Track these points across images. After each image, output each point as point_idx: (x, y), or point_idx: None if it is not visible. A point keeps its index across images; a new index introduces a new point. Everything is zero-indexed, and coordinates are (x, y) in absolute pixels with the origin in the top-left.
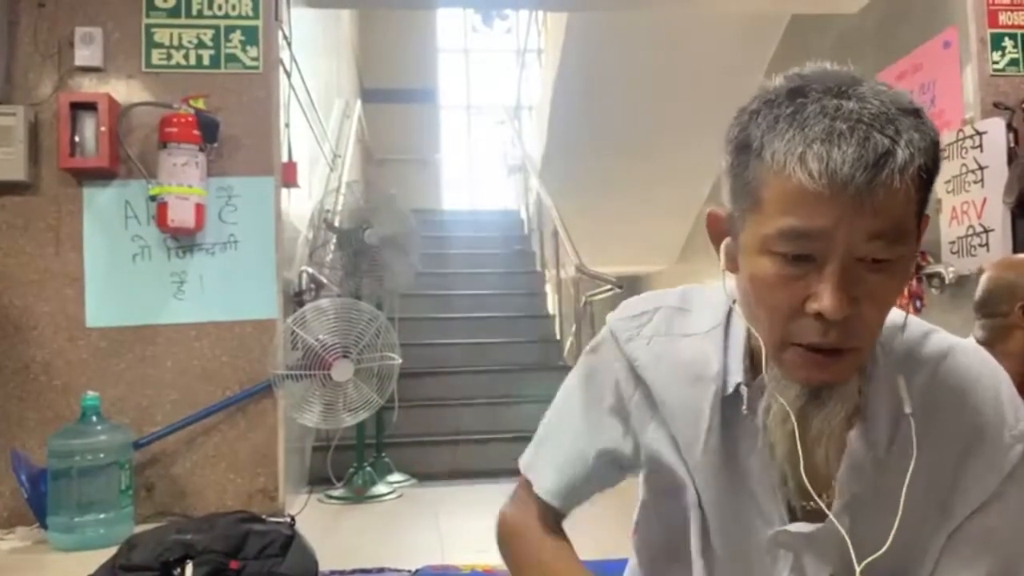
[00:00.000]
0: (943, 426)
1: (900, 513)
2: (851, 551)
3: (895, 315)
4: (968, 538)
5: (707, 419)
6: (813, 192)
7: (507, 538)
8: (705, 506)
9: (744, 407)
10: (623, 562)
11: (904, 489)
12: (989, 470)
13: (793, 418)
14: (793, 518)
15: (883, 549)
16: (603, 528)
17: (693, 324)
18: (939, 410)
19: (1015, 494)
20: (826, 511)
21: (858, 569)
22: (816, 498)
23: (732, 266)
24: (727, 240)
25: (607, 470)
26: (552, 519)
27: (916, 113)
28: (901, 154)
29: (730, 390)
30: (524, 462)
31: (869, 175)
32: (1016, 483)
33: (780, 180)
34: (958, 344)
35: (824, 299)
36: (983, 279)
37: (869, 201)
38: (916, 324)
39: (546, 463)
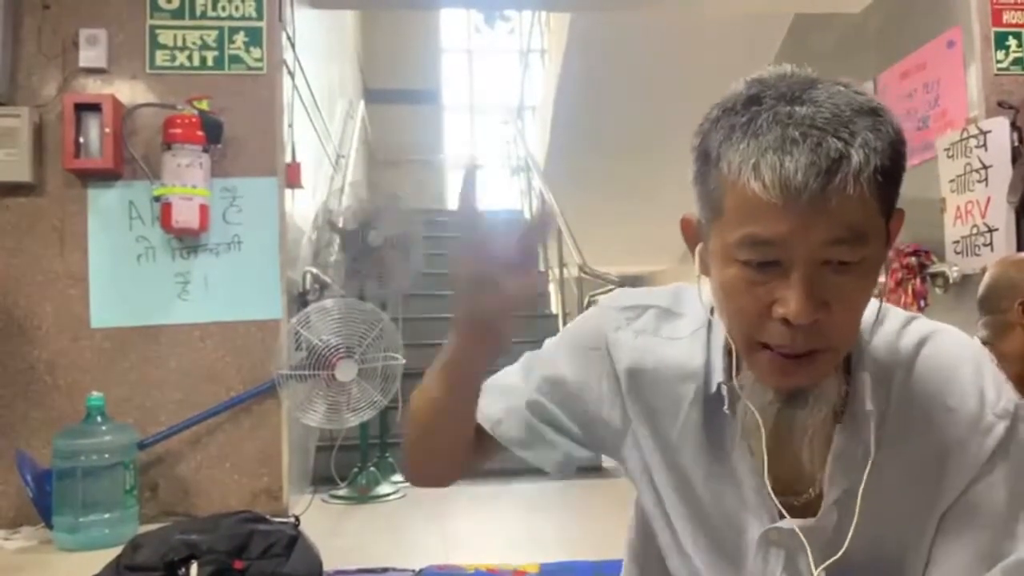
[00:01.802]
0: (927, 415)
1: (881, 509)
2: (844, 545)
3: (872, 309)
4: (957, 516)
5: (690, 417)
6: (768, 202)
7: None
8: (694, 506)
9: (725, 407)
10: (622, 562)
11: (885, 485)
12: (975, 451)
13: (774, 416)
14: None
15: (844, 548)
16: (602, 528)
17: (680, 328)
18: (922, 400)
19: (1000, 469)
20: (825, 507)
21: (838, 556)
22: (796, 496)
23: (707, 270)
24: (700, 245)
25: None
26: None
27: (874, 112)
28: (856, 157)
29: (712, 389)
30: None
31: (822, 181)
32: (1000, 459)
33: (737, 190)
34: (936, 329)
35: (790, 304)
36: (985, 276)
37: (825, 207)
38: (894, 316)
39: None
